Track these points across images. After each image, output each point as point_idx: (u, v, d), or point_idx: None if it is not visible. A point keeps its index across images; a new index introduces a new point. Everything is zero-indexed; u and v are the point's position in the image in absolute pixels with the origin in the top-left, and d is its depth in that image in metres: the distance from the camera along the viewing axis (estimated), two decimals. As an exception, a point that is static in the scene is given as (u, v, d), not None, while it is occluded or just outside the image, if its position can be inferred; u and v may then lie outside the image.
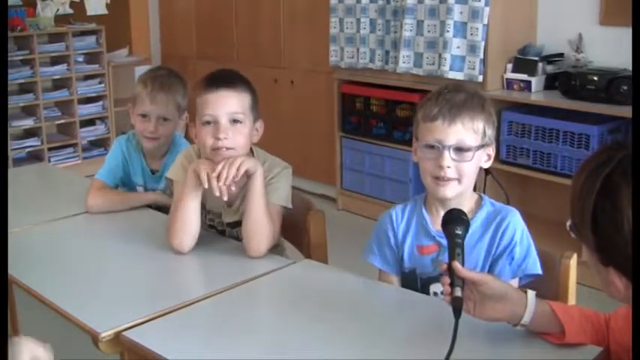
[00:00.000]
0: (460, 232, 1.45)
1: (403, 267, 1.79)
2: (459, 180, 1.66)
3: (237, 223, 2.01)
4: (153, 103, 2.28)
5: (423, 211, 1.77)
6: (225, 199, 1.90)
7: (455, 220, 1.48)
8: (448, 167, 1.63)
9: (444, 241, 1.70)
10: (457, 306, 1.36)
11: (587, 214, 1.08)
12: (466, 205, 1.72)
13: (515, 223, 1.69)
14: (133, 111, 2.35)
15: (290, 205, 2.03)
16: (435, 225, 1.74)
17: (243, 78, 1.98)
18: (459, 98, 1.67)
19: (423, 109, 1.68)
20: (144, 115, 2.30)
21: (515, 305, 1.39)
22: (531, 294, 1.40)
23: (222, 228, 2.10)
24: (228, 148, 1.89)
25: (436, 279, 1.72)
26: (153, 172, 2.41)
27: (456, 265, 1.38)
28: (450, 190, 1.67)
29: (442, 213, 1.72)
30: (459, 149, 1.64)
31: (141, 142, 2.37)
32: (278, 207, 1.98)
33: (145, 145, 2.37)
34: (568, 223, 1.16)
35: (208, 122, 1.89)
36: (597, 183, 1.06)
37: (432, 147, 1.65)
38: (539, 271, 1.67)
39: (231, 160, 1.86)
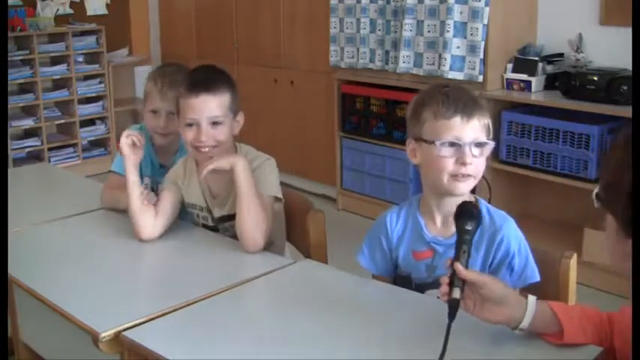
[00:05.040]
0: (470, 228, 1.42)
1: (399, 270, 1.79)
2: (475, 176, 1.66)
3: (227, 218, 2.06)
4: (162, 99, 2.32)
5: (418, 216, 1.75)
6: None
7: (465, 213, 1.44)
8: (470, 164, 1.62)
9: (439, 248, 1.70)
10: (453, 307, 1.35)
11: (626, 180, 1.07)
12: None
13: (510, 235, 1.66)
14: (145, 108, 2.39)
15: (280, 195, 2.06)
16: (430, 230, 1.73)
17: (223, 76, 2.06)
18: (467, 96, 1.66)
19: (430, 107, 1.65)
20: (154, 112, 2.35)
21: (514, 309, 1.39)
22: (532, 299, 1.39)
23: (214, 224, 2.13)
24: (209, 146, 2.00)
25: (431, 285, 1.71)
26: (162, 165, 2.42)
27: (457, 266, 1.37)
28: (467, 186, 1.66)
29: (438, 216, 1.72)
30: (478, 145, 1.63)
31: (153, 137, 2.40)
32: (267, 198, 2.01)
33: (156, 141, 2.40)
34: (595, 191, 1.15)
35: (190, 124, 2.00)
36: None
37: (451, 145, 1.63)
38: (538, 279, 1.66)
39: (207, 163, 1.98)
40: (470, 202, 1.50)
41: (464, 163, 1.62)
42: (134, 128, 2.47)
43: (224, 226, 2.11)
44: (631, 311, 1.34)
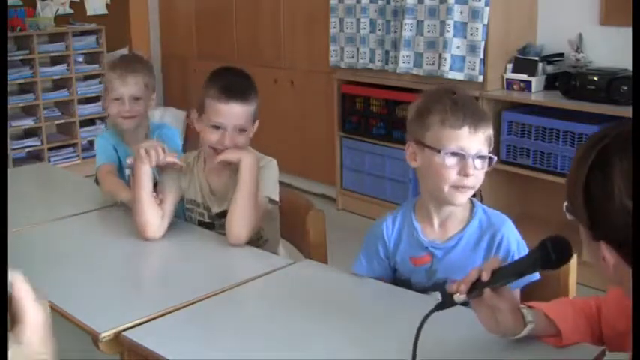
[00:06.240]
0: (536, 270, 1.36)
1: (398, 274, 1.78)
2: (474, 188, 1.65)
3: (224, 214, 2.08)
4: (124, 84, 2.40)
5: (414, 221, 1.74)
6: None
7: (547, 257, 1.31)
8: (472, 175, 1.61)
9: (437, 252, 1.69)
10: (445, 304, 1.33)
11: (580, 186, 1.09)
12: (461, 213, 1.70)
13: (509, 236, 1.66)
14: (107, 98, 2.45)
15: (277, 199, 2.08)
16: (428, 234, 1.71)
17: (252, 84, 2.10)
18: (475, 106, 1.66)
19: (438, 113, 1.62)
20: (117, 99, 2.41)
21: (508, 331, 1.38)
22: (529, 327, 1.37)
23: (210, 221, 2.15)
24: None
25: (431, 288, 1.70)
26: None
27: (488, 292, 1.32)
28: (466, 197, 1.65)
29: (436, 220, 1.71)
30: (481, 157, 1.63)
31: (119, 125, 2.45)
32: (262, 198, 2.04)
33: (123, 126, 2.45)
34: (565, 204, 1.16)
35: (216, 127, 2.02)
36: (591, 156, 1.08)
37: (455, 155, 1.61)
38: (538, 276, 1.62)
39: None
40: (568, 244, 1.33)
41: (466, 175, 1.61)
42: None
43: (221, 222, 2.12)
44: (614, 296, 1.36)
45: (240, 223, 1.98)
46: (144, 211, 2.05)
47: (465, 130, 1.60)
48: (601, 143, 1.08)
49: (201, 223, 2.17)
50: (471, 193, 1.66)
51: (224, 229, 2.10)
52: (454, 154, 1.61)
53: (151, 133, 2.49)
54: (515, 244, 1.66)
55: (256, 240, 2.09)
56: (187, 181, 2.15)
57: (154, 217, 2.06)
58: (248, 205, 1.98)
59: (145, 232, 2.05)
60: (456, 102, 1.63)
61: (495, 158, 1.66)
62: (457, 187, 1.62)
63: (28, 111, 5.32)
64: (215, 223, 2.14)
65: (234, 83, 2.05)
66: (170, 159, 2.08)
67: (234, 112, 2.00)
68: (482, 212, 1.71)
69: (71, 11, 5.66)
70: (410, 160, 1.70)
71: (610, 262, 1.07)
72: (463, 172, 1.61)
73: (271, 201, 2.08)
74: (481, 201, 1.77)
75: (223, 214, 2.09)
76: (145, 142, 2.13)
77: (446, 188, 1.62)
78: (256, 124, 2.10)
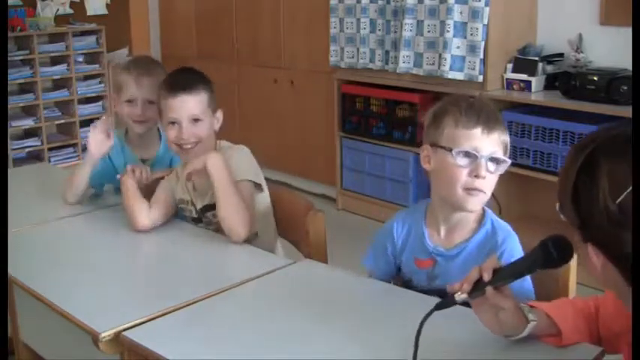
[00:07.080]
0: (537, 270, 1.34)
1: (401, 274, 1.78)
2: (486, 193, 1.62)
3: (208, 207, 2.12)
4: (139, 87, 2.34)
5: (423, 225, 1.73)
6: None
7: (550, 257, 1.29)
8: (484, 177, 1.58)
9: (439, 258, 1.69)
10: (446, 304, 1.33)
11: (569, 188, 1.09)
12: (470, 222, 1.68)
13: (513, 251, 1.62)
14: (118, 99, 2.39)
15: (258, 180, 2.11)
16: (433, 240, 1.71)
17: (200, 76, 2.14)
18: (490, 109, 1.64)
19: (453, 115, 1.61)
20: (130, 101, 2.35)
21: (511, 330, 1.38)
22: (532, 325, 1.36)
23: (198, 215, 2.18)
24: (191, 143, 2.08)
25: (431, 292, 1.69)
26: (143, 161, 2.41)
27: (490, 290, 1.32)
28: (479, 203, 1.62)
29: (443, 228, 1.70)
30: (495, 160, 1.60)
31: (130, 127, 2.40)
32: (243, 184, 2.06)
33: (134, 129, 2.39)
34: (557, 205, 1.16)
35: (172, 123, 2.07)
36: (580, 159, 1.08)
37: (467, 155, 1.59)
38: (533, 297, 1.60)
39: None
40: (569, 243, 1.29)
41: (478, 176, 1.58)
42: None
43: (207, 217, 2.16)
44: (612, 295, 1.36)
45: (230, 218, 1.99)
46: (130, 204, 2.13)
47: (478, 131, 1.59)
48: (590, 146, 1.08)
49: (193, 219, 2.20)
50: (483, 198, 1.62)
51: (211, 224, 2.14)
52: (466, 153, 1.59)
53: (161, 146, 2.43)
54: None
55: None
56: (176, 182, 2.19)
57: (141, 207, 2.13)
58: (230, 199, 1.99)
59: (135, 224, 2.11)
60: (472, 105, 1.62)
61: (510, 161, 1.62)
62: (469, 190, 1.60)
63: (28, 111, 5.32)
64: (202, 218, 2.17)
65: (178, 78, 2.12)
66: (156, 176, 2.21)
67: (182, 105, 2.05)
68: (490, 224, 1.68)
69: (71, 11, 5.66)
70: (423, 164, 1.68)
71: (597, 264, 1.07)
72: (475, 173, 1.58)
73: (256, 185, 2.10)
74: (500, 210, 1.74)
75: (206, 208, 2.14)
76: (135, 165, 2.22)
77: (458, 191, 1.60)
78: (219, 113, 2.15)
